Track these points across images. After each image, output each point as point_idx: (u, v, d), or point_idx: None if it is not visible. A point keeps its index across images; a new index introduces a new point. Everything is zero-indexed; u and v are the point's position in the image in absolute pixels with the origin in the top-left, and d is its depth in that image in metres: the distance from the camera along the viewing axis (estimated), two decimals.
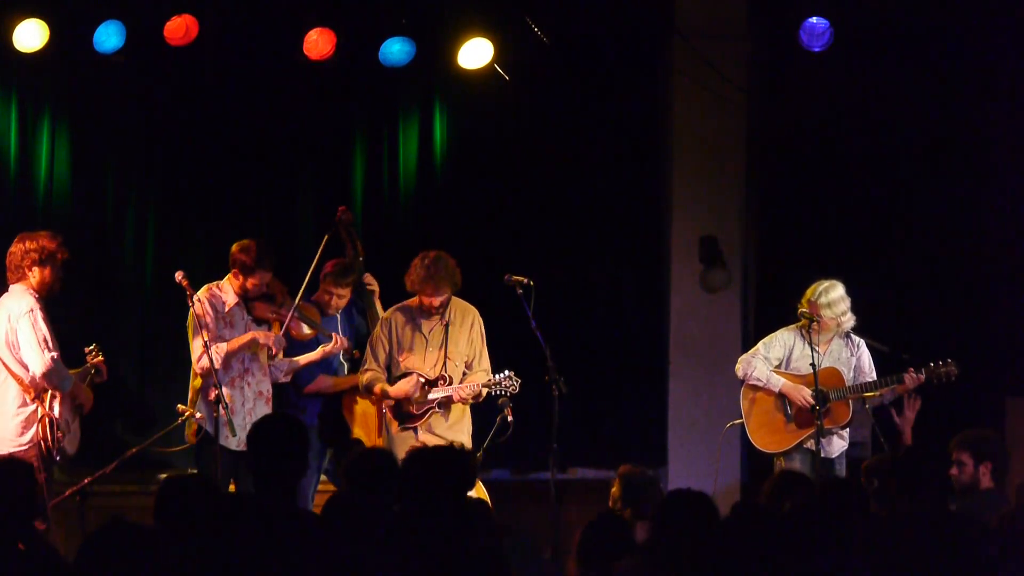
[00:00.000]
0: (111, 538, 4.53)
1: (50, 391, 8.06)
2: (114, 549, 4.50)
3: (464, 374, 8.81)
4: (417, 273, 8.68)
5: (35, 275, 8.12)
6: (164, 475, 7.96)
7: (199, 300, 8.47)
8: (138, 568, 4.47)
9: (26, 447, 8.04)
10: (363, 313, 9.28)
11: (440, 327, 8.77)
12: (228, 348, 8.46)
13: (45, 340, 8.02)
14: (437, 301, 8.69)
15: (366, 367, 8.80)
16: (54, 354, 8.03)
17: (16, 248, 8.18)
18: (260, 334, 8.59)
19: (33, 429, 8.05)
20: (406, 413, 8.75)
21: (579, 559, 5.58)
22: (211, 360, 8.31)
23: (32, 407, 8.07)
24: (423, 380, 8.72)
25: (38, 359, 7.99)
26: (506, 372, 8.74)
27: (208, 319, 8.44)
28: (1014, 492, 7.26)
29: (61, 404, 8.08)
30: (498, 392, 8.72)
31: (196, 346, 8.51)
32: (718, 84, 10.62)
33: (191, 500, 5.47)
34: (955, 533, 5.74)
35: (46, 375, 8.00)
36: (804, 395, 8.89)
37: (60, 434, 8.04)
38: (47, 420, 8.03)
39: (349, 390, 9.06)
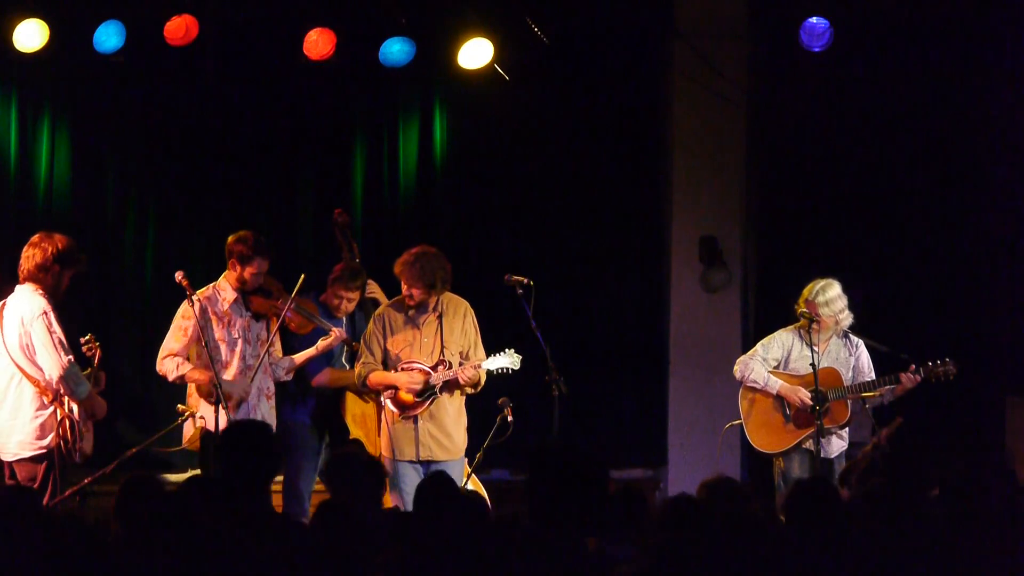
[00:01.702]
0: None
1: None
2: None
3: (460, 364, 8.79)
4: (401, 260, 8.68)
5: (57, 279, 8.02)
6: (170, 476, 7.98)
7: (197, 300, 8.46)
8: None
9: (44, 450, 7.98)
10: (364, 313, 9.28)
11: (434, 318, 8.76)
12: (188, 375, 8.48)
13: (61, 343, 7.93)
14: (406, 291, 8.67)
15: (362, 361, 8.77)
16: (71, 357, 7.97)
17: (45, 249, 8.03)
18: (227, 385, 8.44)
19: (52, 432, 7.97)
20: (406, 402, 8.71)
21: None
22: (211, 361, 8.32)
23: (50, 409, 7.98)
24: (425, 369, 8.69)
25: (55, 363, 7.91)
26: (506, 350, 8.72)
27: (196, 322, 8.41)
28: None
29: (78, 406, 8.06)
30: (502, 371, 8.70)
31: (167, 345, 8.57)
32: (718, 84, 10.62)
33: (151, 501, 5.46)
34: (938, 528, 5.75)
35: (63, 379, 7.93)
36: (801, 396, 8.89)
37: (81, 434, 8.01)
38: (67, 422, 7.98)
39: (348, 391, 9.06)
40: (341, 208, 9.45)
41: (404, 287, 8.68)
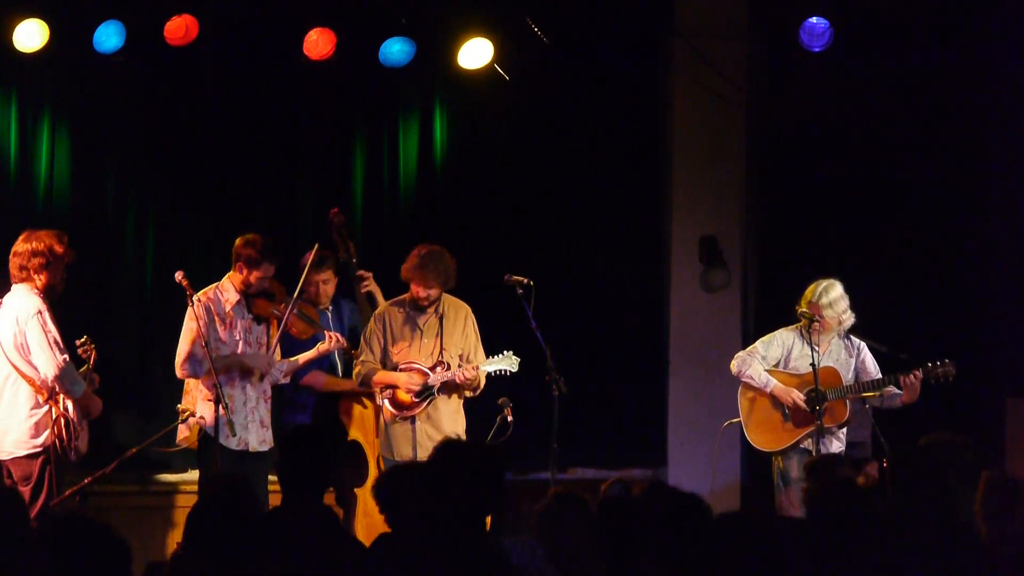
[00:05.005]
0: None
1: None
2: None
3: (460, 366, 8.79)
4: (411, 262, 8.70)
5: (41, 278, 8.09)
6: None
7: (197, 300, 8.46)
8: None
9: (40, 448, 8.04)
10: (362, 309, 9.29)
11: (435, 319, 8.78)
12: (211, 364, 8.43)
13: (56, 342, 8.00)
14: (424, 292, 8.68)
15: (362, 359, 8.78)
16: (66, 356, 8.02)
17: (23, 248, 8.12)
18: (248, 359, 8.57)
19: (48, 430, 8.03)
20: (403, 403, 8.72)
21: None
22: (211, 362, 8.31)
23: (45, 408, 8.04)
24: (423, 370, 8.69)
25: (50, 362, 7.96)
26: (504, 352, 8.73)
27: (201, 323, 8.40)
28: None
29: (74, 404, 8.08)
30: (499, 373, 8.71)
31: (182, 348, 8.55)
32: (718, 84, 10.61)
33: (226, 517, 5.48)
34: (953, 537, 5.73)
35: (58, 378, 7.97)
36: (794, 397, 8.90)
37: (77, 432, 8.04)
38: (62, 421, 8.02)
39: (346, 393, 9.06)
40: (338, 208, 9.45)
41: (420, 289, 8.67)
